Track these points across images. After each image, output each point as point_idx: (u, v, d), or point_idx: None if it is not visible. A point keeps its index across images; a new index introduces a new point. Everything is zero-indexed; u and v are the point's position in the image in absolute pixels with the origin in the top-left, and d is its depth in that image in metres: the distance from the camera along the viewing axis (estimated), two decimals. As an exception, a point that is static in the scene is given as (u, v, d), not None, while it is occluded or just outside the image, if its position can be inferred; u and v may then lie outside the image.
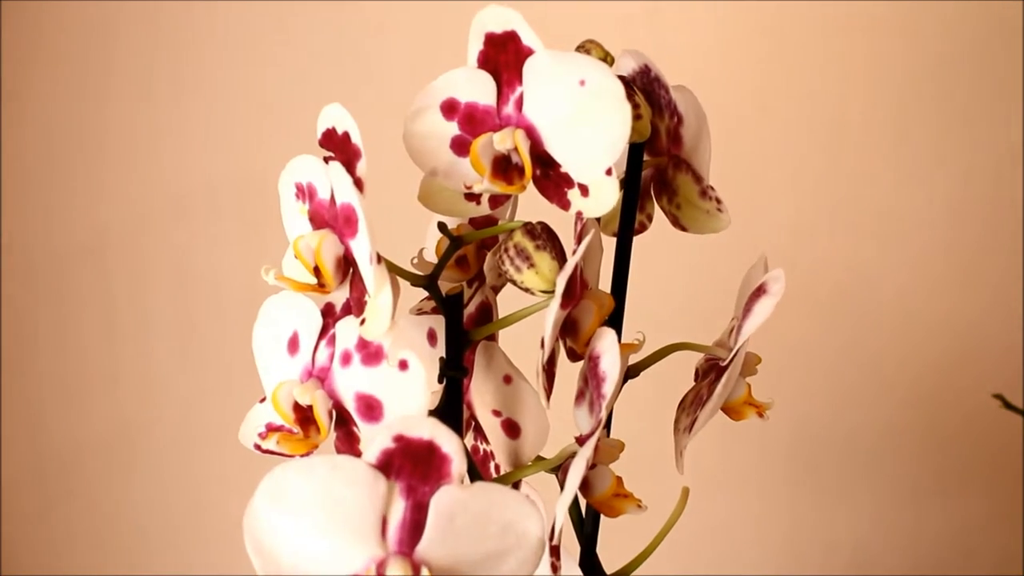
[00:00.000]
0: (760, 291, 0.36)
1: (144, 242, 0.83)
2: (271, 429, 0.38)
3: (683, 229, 0.41)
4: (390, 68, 0.82)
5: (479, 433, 0.41)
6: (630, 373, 0.39)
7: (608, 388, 0.33)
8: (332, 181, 0.34)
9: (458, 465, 0.31)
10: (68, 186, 0.82)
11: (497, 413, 0.39)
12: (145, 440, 0.85)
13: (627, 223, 0.41)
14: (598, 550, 0.42)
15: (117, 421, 0.84)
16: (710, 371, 0.39)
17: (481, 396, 0.39)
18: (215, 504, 0.86)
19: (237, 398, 0.85)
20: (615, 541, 0.43)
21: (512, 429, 0.38)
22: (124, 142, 0.82)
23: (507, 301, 0.41)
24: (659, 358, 0.40)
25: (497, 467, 0.40)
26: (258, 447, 0.38)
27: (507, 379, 0.38)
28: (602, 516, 0.42)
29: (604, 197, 0.33)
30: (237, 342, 0.84)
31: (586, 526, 0.40)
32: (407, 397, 0.33)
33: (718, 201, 0.39)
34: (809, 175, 0.86)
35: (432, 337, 0.40)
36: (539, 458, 0.39)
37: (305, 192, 0.36)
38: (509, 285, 0.41)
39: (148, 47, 0.81)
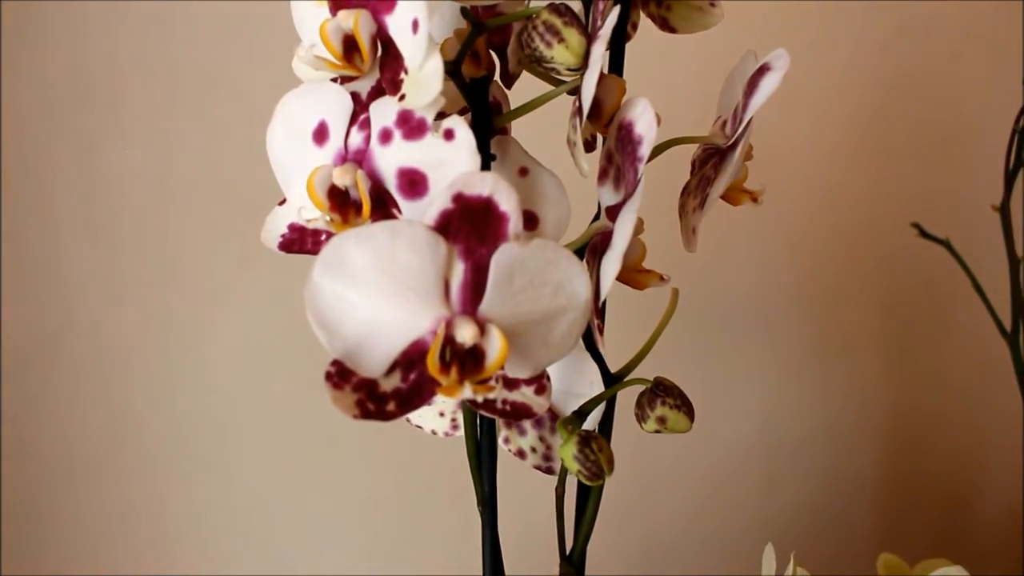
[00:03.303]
0: (764, 69, 0.38)
1: (45, 135, 0.78)
2: (294, 230, 0.37)
3: (672, 31, 0.43)
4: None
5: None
6: (629, 169, 0.41)
7: (644, 150, 0.34)
8: (363, -46, 0.33)
9: (515, 224, 0.32)
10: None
11: (514, 206, 0.40)
12: (59, 347, 0.80)
13: (619, 32, 0.43)
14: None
15: (27, 332, 0.79)
16: (709, 158, 0.41)
17: (497, 191, 0.39)
18: (136, 407, 0.83)
19: (152, 294, 0.83)
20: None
21: (530, 220, 0.39)
22: (11, 27, 0.76)
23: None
24: (658, 153, 0.41)
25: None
26: (282, 246, 0.37)
27: (523, 171, 0.39)
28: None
29: (630, -31, 0.35)
30: (148, 236, 0.81)
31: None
32: (454, 167, 0.33)
33: (712, -5, 0.41)
34: (714, 48, 0.89)
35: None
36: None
37: (323, -23, 0.35)
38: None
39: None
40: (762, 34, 0.91)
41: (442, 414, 0.45)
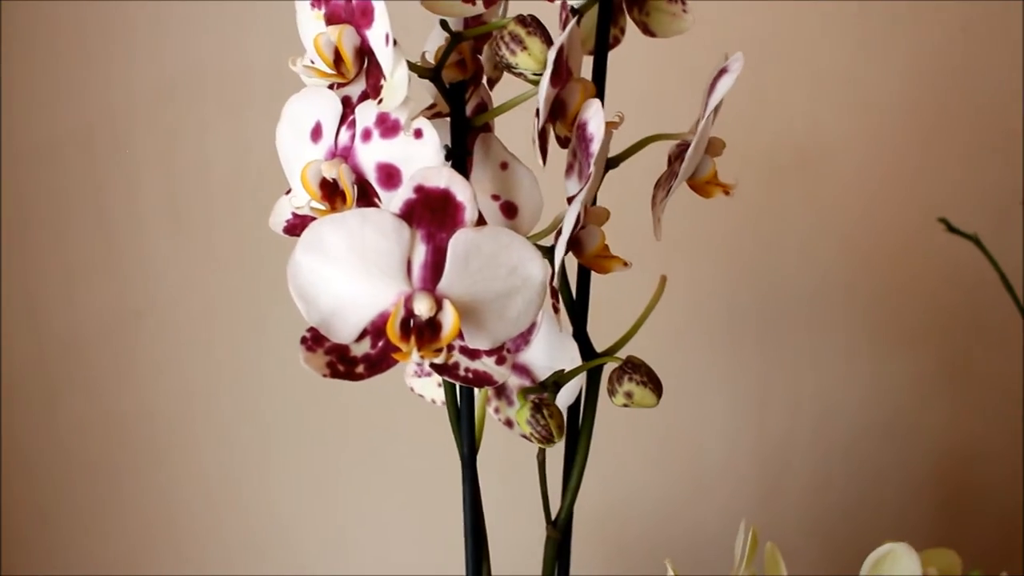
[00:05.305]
0: (722, 71, 0.42)
1: (131, 129, 0.86)
2: (296, 216, 0.43)
3: (652, 35, 0.46)
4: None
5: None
6: (610, 164, 0.45)
7: (595, 147, 0.38)
8: (347, -23, 0.38)
9: (470, 213, 0.37)
10: (54, 79, 0.85)
11: (496, 197, 0.44)
12: (141, 324, 0.89)
13: (603, 38, 0.46)
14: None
15: (114, 308, 0.88)
16: (681, 153, 0.44)
17: (480, 183, 0.44)
18: (214, 374, 0.91)
19: (225, 278, 0.90)
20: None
21: (510, 210, 0.44)
22: (105, 30, 0.84)
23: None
24: (636, 150, 0.45)
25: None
26: (286, 230, 0.43)
27: (504, 165, 0.44)
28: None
29: (585, -16, 0.38)
30: (223, 224, 0.89)
31: (577, 299, 0.46)
32: (423, 161, 0.38)
33: (683, 3, 0.44)
34: (770, 44, 0.91)
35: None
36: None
37: (321, -3, 0.40)
38: (499, 89, 0.47)
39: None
40: (822, 33, 0.92)
41: (440, 385, 0.49)
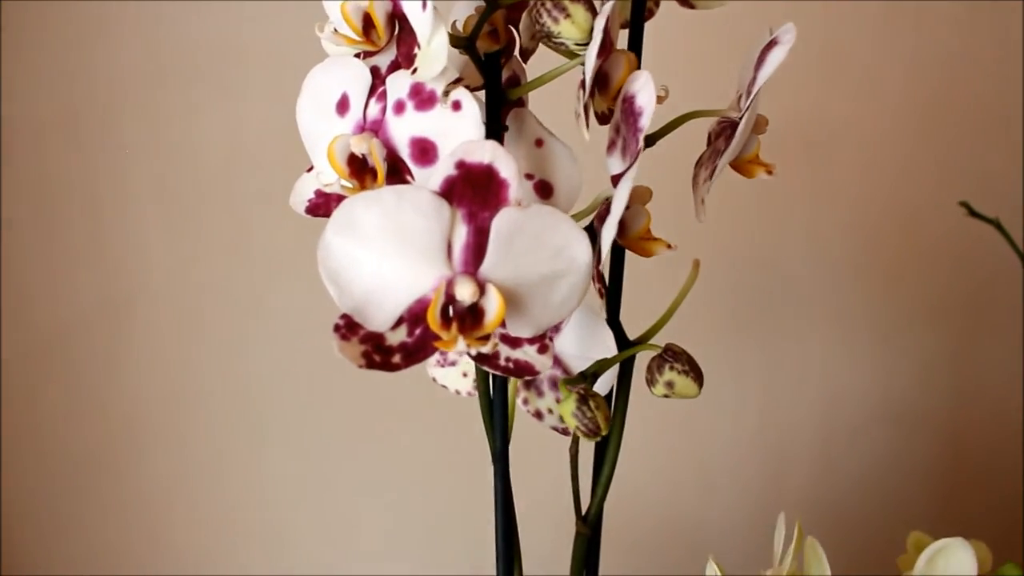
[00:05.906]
0: (772, 43, 0.39)
1: (121, 112, 0.83)
2: (319, 195, 0.40)
3: (690, 7, 0.44)
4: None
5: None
6: (647, 142, 0.42)
7: (644, 121, 0.36)
8: (379, -62, 0.35)
9: (515, 190, 0.34)
10: (37, 62, 0.81)
11: (530, 176, 0.42)
12: (132, 309, 0.85)
13: (639, 9, 0.44)
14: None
15: (101, 299, 0.85)
16: (724, 131, 0.42)
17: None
18: (205, 364, 0.88)
19: (217, 263, 0.87)
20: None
21: (545, 189, 0.41)
22: (91, 9, 0.81)
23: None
24: (675, 127, 0.42)
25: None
26: (308, 210, 0.40)
27: (539, 142, 0.41)
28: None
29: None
30: (216, 207, 0.86)
31: (611, 285, 0.44)
32: (461, 135, 0.36)
33: (726, -28, 0.42)
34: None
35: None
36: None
37: (347, -40, 0.37)
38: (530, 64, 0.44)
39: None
40: (829, 18, 0.90)
41: (465, 375, 0.47)
